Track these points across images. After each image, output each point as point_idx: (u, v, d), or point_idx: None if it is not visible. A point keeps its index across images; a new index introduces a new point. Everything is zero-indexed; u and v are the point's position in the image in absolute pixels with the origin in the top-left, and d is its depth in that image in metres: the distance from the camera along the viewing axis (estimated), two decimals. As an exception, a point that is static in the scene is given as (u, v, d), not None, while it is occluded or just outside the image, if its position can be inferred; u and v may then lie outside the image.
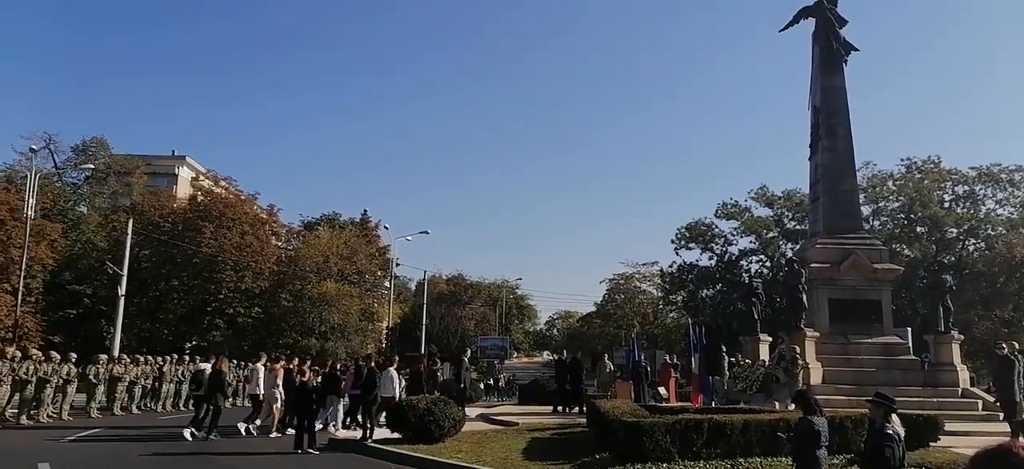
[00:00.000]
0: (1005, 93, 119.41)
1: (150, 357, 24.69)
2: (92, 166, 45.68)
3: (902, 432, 6.78)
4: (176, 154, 61.69)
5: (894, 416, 6.81)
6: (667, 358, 26.71)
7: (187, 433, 15.09)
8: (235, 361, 26.29)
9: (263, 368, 17.68)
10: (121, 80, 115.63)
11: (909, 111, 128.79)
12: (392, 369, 16.93)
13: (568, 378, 20.34)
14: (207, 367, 17.46)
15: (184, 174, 60.51)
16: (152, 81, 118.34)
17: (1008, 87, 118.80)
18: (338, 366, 20.86)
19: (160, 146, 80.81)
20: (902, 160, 48.87)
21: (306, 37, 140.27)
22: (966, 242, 47.69)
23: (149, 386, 23.34)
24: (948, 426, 13.52)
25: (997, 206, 47.19)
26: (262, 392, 17.12)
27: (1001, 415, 16.12)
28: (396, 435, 14.24)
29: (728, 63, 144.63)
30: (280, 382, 16.65)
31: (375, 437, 14.53)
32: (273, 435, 15.97)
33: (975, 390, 19.97)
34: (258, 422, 16.72)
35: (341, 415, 17.82)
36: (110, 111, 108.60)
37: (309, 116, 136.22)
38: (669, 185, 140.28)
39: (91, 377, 20.76)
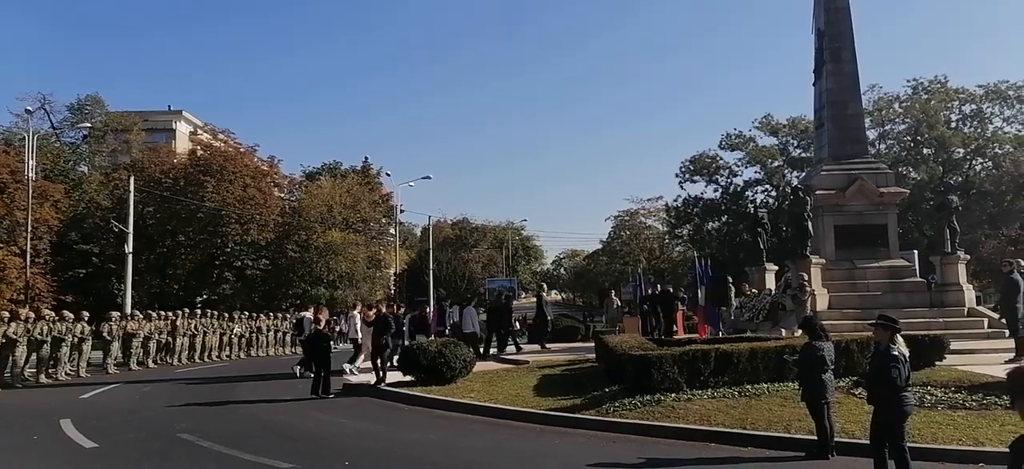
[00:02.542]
0: (1014, 7, 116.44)
1: (163, 312, 25.04)
2: (89, 125, 45.46)
3: (907, 353, 6.83)
4: (172, 109, 61.23)
5: (899, 337, 6.85)
6: (668, 290, 26.73)
7: (302, 370, 17.28)
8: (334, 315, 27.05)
9: (358, 315, 18.98)
10: (111, 37, 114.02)
11: (915, 30, 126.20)
12: (472, 307, 19.30)
13: (659, 308, 20.69)
14: (308, 315, 19.14)
15: (182, 129, 60.17)
16: (144, 36, 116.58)
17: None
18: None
19: (155, 102, 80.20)
20: (908, 81, 48.19)
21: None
22: (973, 162, 47.34)
23: (163, 341, 23.72)
24: (954, 345, 13.67)
25: (1004, 124, 46.74)
26: (360, 336, 18.34)
27: (1007, 332, 16.25)
28: (409, 378, 14.47)
29: (739, 9, 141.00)
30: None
31: (388, 381, 14.77)
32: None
33: (981, 309, 20.08)
34: (358, 363, 17.77)
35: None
36: (101, 69, 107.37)
37: (305, 68, 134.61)
38: (676, 126, 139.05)
39: (105, 334, 21.10)
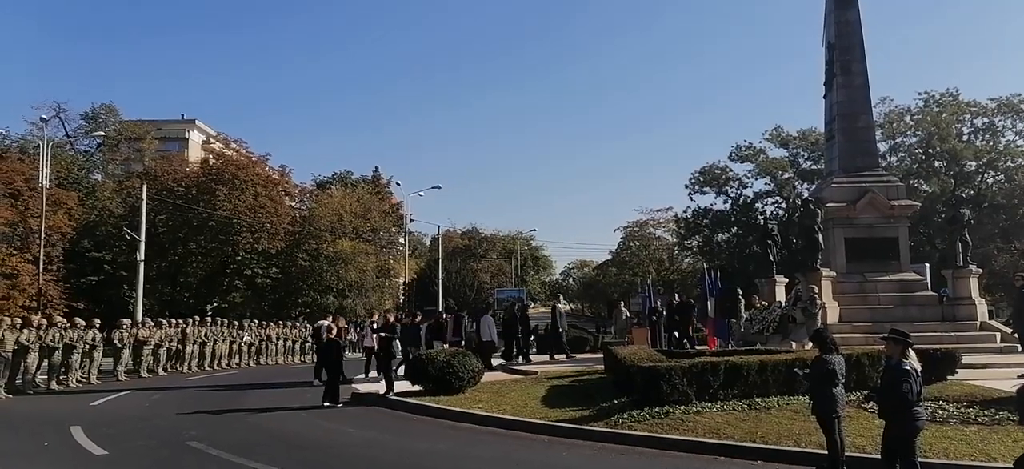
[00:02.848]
0: (1020, 16, 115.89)
1: (173, 319, 25.19)
2: (103, 133, 45.95)
3: (919, 367, 6.79)
4: (185, 118, 61.77)
5: (911, 352, 6.81)
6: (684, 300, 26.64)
7: (316, 381, 17.32)
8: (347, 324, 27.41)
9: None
10: (123, 45, 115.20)
11: (926, 43, 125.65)
12: (489, 315, 20.16)
13: (677, 318, 20.92)
14: (326, 323, 19.62)
15: (194, 138, 60.67)
16: (157, 45, 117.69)
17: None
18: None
19: (168, 111, 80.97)
20: (919, 94, 47.88)
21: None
22: (985, 175, 46.99)
23: (174, 348, 23.84)
24: (966, 359, 13.57)
25: (1017, 137, 46.32)
26: (376, 346, 18.43)
27: (1020, 347, 16.11)
28: (417, 388, 14.48)
29: (749, 14, 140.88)
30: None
31: (396, 390, 14.79)
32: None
33: (993, 323, 19.91)
34: (374, 373, 18.21)
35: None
36: (113, 76, 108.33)
37: (316, 78, 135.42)
38: (686, 137, 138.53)
39: (116, 341, 21.22)
